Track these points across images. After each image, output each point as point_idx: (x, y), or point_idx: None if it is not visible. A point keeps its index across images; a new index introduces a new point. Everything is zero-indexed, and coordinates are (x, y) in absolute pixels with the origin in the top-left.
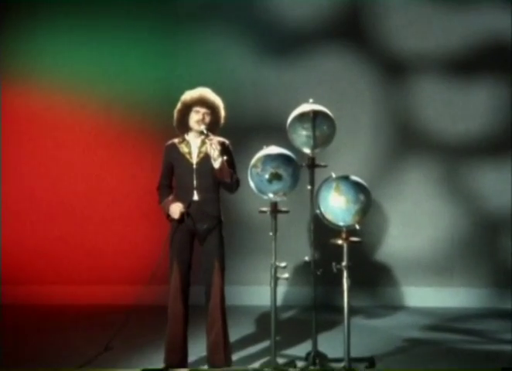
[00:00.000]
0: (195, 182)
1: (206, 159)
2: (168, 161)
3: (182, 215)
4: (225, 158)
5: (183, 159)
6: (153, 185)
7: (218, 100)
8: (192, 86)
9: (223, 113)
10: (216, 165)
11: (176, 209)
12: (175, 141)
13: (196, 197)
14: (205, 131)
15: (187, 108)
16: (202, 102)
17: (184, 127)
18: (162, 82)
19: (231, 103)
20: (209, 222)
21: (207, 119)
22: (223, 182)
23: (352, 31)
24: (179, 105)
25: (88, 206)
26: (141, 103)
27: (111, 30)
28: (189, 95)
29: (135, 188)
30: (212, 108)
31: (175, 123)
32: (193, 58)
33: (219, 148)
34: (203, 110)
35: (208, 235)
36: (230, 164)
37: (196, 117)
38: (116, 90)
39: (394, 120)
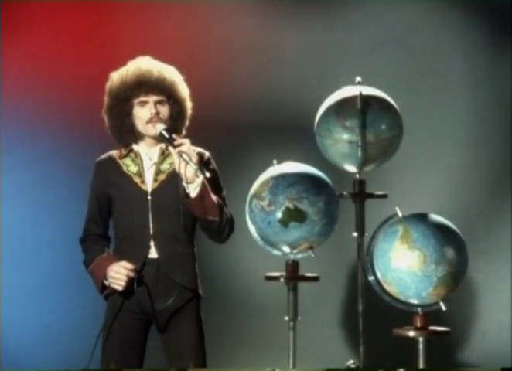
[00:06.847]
0: (152, 226)
1: (170, 184)
2: (101, 190)
3: (131, 283)
4: (208, 175)
5: (129, 186)
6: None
7: (177, 76)
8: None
9: (188, 100)
10: (193, 190)
11: (120, 273)
12: (113, 153)
13: (154, 253)
14: (166, 134)
15: (123, 102)
16: (148, 84)
17: (128, 135)
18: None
19: (214, 83)
20: (178, 298)
21: (164, 112)
22: (206, 221)
23: None
24: (106, 101)
25: None
26: None
27: None
28: (120, 76)
29: None
30: (169, 92)
31: (109, 132)
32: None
33: (196, 158)
34: (152, 98)
35: (175, 320)
36: (216, 190)
37: (143, 113)
38: None
39: None
